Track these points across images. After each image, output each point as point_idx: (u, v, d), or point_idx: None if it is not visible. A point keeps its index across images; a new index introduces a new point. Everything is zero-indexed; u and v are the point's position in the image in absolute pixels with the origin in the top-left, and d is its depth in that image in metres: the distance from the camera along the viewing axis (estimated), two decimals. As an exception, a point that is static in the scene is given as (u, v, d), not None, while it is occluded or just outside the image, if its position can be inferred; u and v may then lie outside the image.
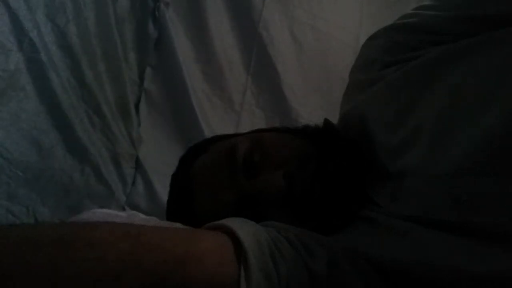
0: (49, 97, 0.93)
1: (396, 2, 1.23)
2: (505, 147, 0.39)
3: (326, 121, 0.66)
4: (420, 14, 0.60)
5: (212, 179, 0.59)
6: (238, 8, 1.19)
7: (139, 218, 0.60)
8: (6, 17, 0.88)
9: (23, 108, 0.90)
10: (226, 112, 1.13)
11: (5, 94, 0.88)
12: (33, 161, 0.90)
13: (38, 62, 0.92)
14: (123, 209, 0.95)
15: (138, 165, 1.04)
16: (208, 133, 1.04)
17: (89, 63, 0.99)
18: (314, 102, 1.15)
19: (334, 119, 0.69)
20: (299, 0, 1.21)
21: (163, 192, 0.96)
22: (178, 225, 0.50)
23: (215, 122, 1.10)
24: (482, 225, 0.40)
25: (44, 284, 0.31)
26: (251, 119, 1.12)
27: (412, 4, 1.13)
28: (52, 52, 0.95)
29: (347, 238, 0.50)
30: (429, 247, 0.42)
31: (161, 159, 1.03)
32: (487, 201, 0.40)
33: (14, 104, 0.89)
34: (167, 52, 1.11)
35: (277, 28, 1.19)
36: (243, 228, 0.41)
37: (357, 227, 0.52)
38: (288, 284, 0.38)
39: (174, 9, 1.14)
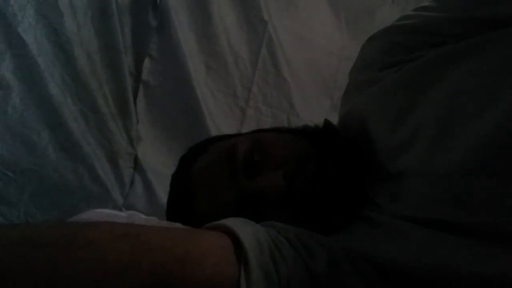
0: (38, 94, 0.90)
1: (374, 10, 1.24)
2: (505, 147, 0.40)
3: (326, 122, 0.66)
4: (420, 15, 0.60)
5: (212, 179, 0.59)
6: (246, 2, 1.16)
7: (139, 218, 0.60)
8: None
9: (10, 105, 0.88)
10: (231, 108, 1.10)
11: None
12: (24, 161, 0.88)
13: (26, 59, 0.90)
14: (121, 211, 0.94)
15: (136, 164, 1.02)
16: (213, 130, 1.02)
17: (86, 57, 0.97)
18: (309, 106, 1.15)
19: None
20: (289, 10, 1.21)
21: (162, 194, 0.94)
22: (178, 225, 0.50)
23: (219, 119, 1.07)
24: (482, 225, 0.40)
25: (44, 284, 0.31)
26: (257, 115, 1.10)
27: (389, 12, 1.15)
28: (44, 48, 0.92)
29: (347, 238, 0.50)
30: (429, 247, 0.43)
31: (161, 158, 1.01)
32: (487, 201, 0.40)
33: (2, 103, 0.87)
34: (169, 42, 1.07)
35: (277, 31, 1.18)
36: (243, 228, 0.41)
37: (357, 227, 0.52)
38: (288, 284, 0.38)
39: None
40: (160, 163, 1.01)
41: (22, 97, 0.90)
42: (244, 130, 1.03)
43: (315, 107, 1.14)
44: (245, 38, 1.15)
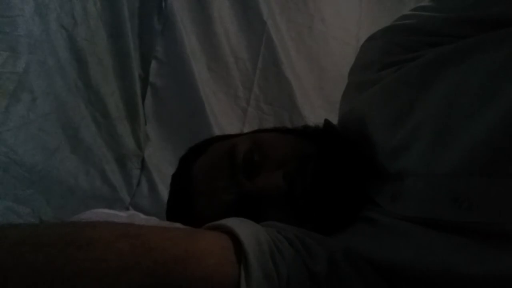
0: (54, 99, 0.94)
1: (394, 1, 1.23)
2: (505, 147, 0.39)
3: (326, 122, 0.66)
4: (419, 15, 0.59)
5: (212, 179, 0.59)
6: (245, 4, 1.17)
7: (139, 218, 0.60)
8: (18, 21, 0.89)
9: (31, 110, 0.91)
10: (232, 109, 1.11)
11: (14, 96, 0.89)
12: (38, 162, 0.91)
13: (45, 65, 0.93)
14: (128, 210, 0.96)
15: (143, 166, 1.03)
16: (216, 130, 1.03)
17: (97, 63, 0.99)
18: (316, 101, 1.14)
19: (336, 118, 0.69)
20: (295, 2, 1.21)
21: (166, 193, 0.95)
22: (178, 225, 0.50)
23: (222, 118, 1.08)
24: (482, 225, 0.40)
25: (44, 284, 0.31)
26: (259, 114, 1.11)
27: (411, 2, 1.13)
28: (60, 55, 0.95)
29: (347, 238, 0.50)
30: (429, 247, 0.42)
31: (166, 159, 1.02)
32: (487, 201, 0.40)
33: (22, 106, 0.90)
34: (174, 44, 1.08)
35: (279, 27, 1.18)
36: (243, 228, 0.41)
37: (357, 227, 0.52)
38: (288, 284, 0.39)
39: (179, 2, 1.12)
40: (165, 163, 1.02)
41: (40, 102, 0.92)
42: (246, 129, 1.04)
43: (317, 106, 1.13)
44: (245, 39, 1.15)
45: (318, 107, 1.13)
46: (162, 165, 1.03)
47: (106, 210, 0.57)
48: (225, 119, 1.08)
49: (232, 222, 0.42)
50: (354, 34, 1.23)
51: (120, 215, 0.58)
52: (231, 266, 0.37)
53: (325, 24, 1.22)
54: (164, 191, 0.98)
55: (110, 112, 1.00)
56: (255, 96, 1.12)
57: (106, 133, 1.00)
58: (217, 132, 1.03)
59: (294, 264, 0.40)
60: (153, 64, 1.08)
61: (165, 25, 1.09)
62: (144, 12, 1.09)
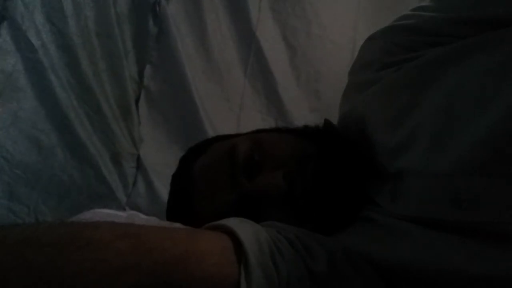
0: (48, 97, 0.93)
1: (392, 4, 1.23)
2: (504, 147, 0.39)
3: (326, 121, 0.66)
4: (419, 15, 0.59)
5: (212, 179, 0.59)
6: (236, 12, 1.19)
7: (139, 218, 0.60)
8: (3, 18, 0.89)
9: (22, 108, 0.90)
10: (226, 113, 1.12)
11: (4, 94, 0.88)
12: (33, 161, 0.90)
13: (36, 63, 0.92)
14: (124, 210, 0.95)
15: (139, 164, 1.03)
16: (211, 132, 1.03)
17: (89, 61, 0.99)
18: (308, 105, 1.15)
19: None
20: (292, 7, 1.21)
21: (164, 192, 0.95)
22: (178, 225, 0.50)
23: (217, 121, 1.09)
24: (482, 225, 0.40)
25: (44, 284, 0.30)
26: (250, 120, 1.12)
27: (410, 5, 1.13)
28: (51, 51, 0.94)
29: (347, 238, 0.50)
30: (429, 247, 0.42)
31: (162, 159, 1.01)
32: (487, 201, 0.40)
33: (13, 104, 0.90)
34: (168, 49, 1.09)
35: (271, 34, 1.19)
36: (243, 228, 0.41)
37: (357, 227, 0.52)
38: (288, 284, 0.39)
39: (174, 6, 1.13)
40: (160, 163, 1.02)
41: (32, 100, 0.92)
42: (241, 131, 1.05)
43: (307, 111, 1.14)
44: (235, 48, 1.17)
45: (310, 110, 1.13)
46: (158, 165, 1.02)
47: (106, 210, 0.57)
48: (221, 122, 1.09)
49: (232, 222, 0.41)
50: (350, 37, 1.23)
51: (120, 215, 0.58)
52: (231, 266, 0.37)
53: (322, 28, 1.22)
54: (161, 190, 0.98)
55: (104, 110, 1.00)
56: (246, 102, 1.14)
57: (101, 131, 1.00)
58: (211, 134, 1.03)
59: (294, 264, 0.40)
60: (148, 68, 1.10)
61: (160, 30, 1.10)
62: (138, 16, 1.09)
